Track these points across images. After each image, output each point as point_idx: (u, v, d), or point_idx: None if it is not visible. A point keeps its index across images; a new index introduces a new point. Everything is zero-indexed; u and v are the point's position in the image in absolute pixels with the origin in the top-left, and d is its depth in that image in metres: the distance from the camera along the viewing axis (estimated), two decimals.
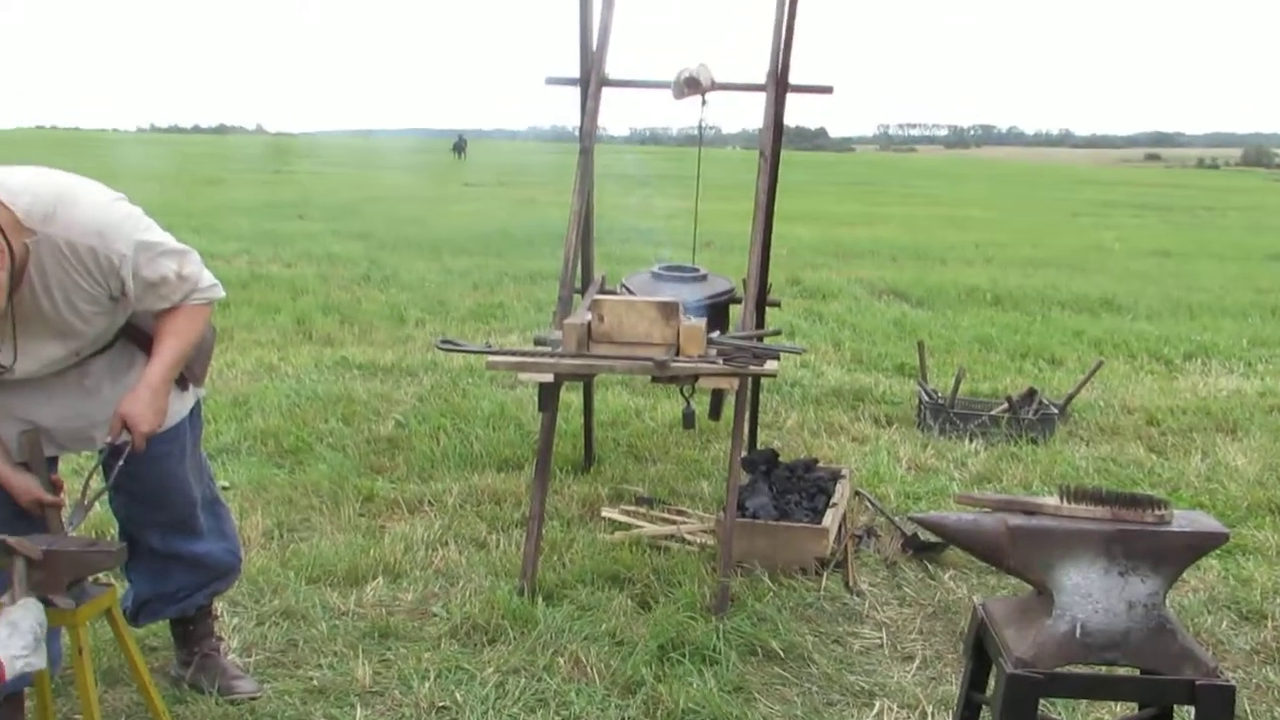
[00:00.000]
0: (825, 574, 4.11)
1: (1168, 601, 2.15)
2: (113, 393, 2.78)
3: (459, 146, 52.85)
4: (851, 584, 4.06)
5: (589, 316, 3.86)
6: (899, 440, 5.93)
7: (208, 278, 2.81)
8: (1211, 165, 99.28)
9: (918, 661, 3.53)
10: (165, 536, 3.05)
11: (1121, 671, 2.28)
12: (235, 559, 3.28)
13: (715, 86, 4.52)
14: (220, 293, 2.87)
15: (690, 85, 4.34)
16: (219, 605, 3.45)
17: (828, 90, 4.72)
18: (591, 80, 4.54)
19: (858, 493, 4.95)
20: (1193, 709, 2.19)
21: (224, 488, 4.79)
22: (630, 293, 4.61)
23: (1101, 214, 27.82)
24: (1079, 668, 2.29)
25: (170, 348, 2.72)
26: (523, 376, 3.85)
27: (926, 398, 6.31)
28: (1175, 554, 2.15)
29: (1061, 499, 2.21)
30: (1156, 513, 2.16)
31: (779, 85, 4.55)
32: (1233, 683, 2.16)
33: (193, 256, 2.78)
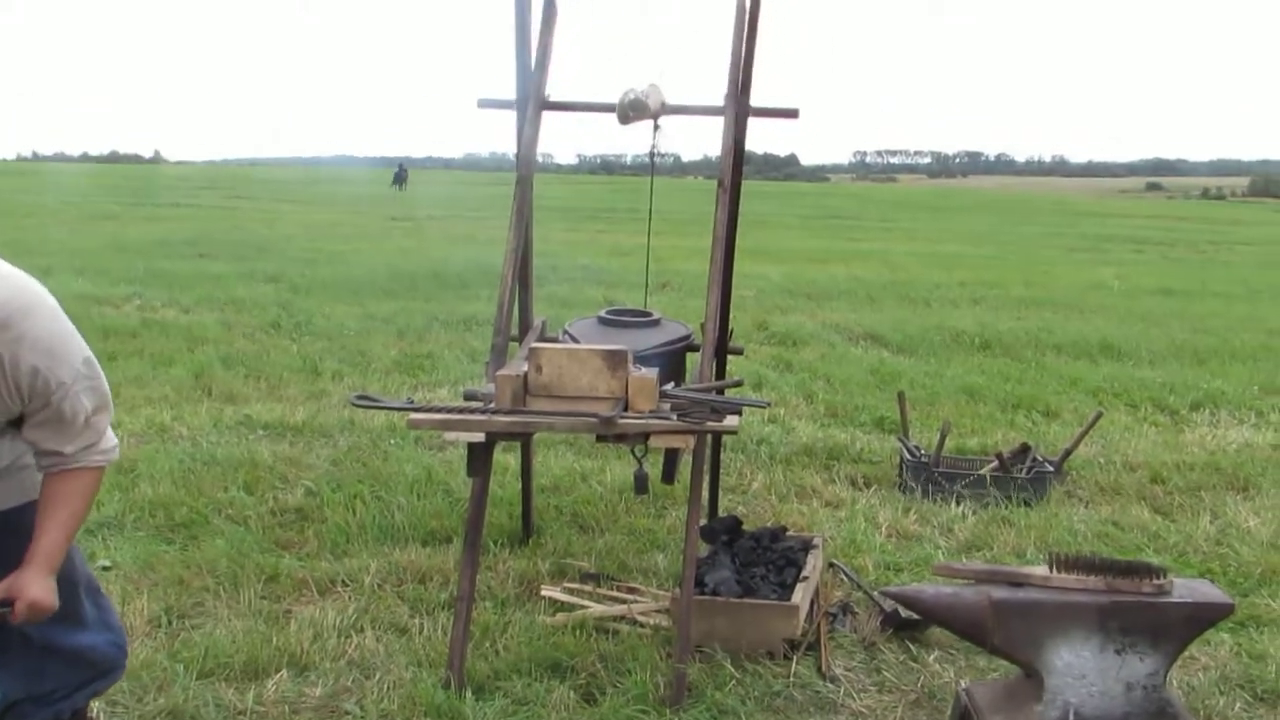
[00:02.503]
0: (795, 658, 4.09)
1: (1172, 681, 2.16)
2: None
3: (400, 177, 52.43)
4: (825, 669, 4.04)
5: (525, 367, 3.85)
6: (878, 504, 5.96)
7: (111, 438, 2.86)
8: (1217, 195, 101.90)
9: None
10: (43, 626, 2.97)
11: None
12: (121, 653, 3.21)
13: (667, 110, 4.57)
14: (116, 455, 2.90)
15: (635, 109, 4.38)
16: (94, 706, 3.36)
17: (793, 114, 4.79)
18: (530, 103, 4.58)
19: (832, 564, 4.96)
20: None
21: (104, 568, 4.70)
22: (573, 340, 4.61)
23: (1099, 249, 28.39)
24: None
25: (62, 524, 2.75)
26: (449, 436, 3.82)
27: (908, 455, 6.35)
28: (1176, 628, 2.17)
29: (1051, 568, 2.23)
30: (1155, 582, 2.18)
31: (738, 108, 4.61)
32: None
33: (108, 407, 2.82)
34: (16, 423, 2.77)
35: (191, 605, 4.45)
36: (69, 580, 2.98)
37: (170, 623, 4.28)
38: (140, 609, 4.31)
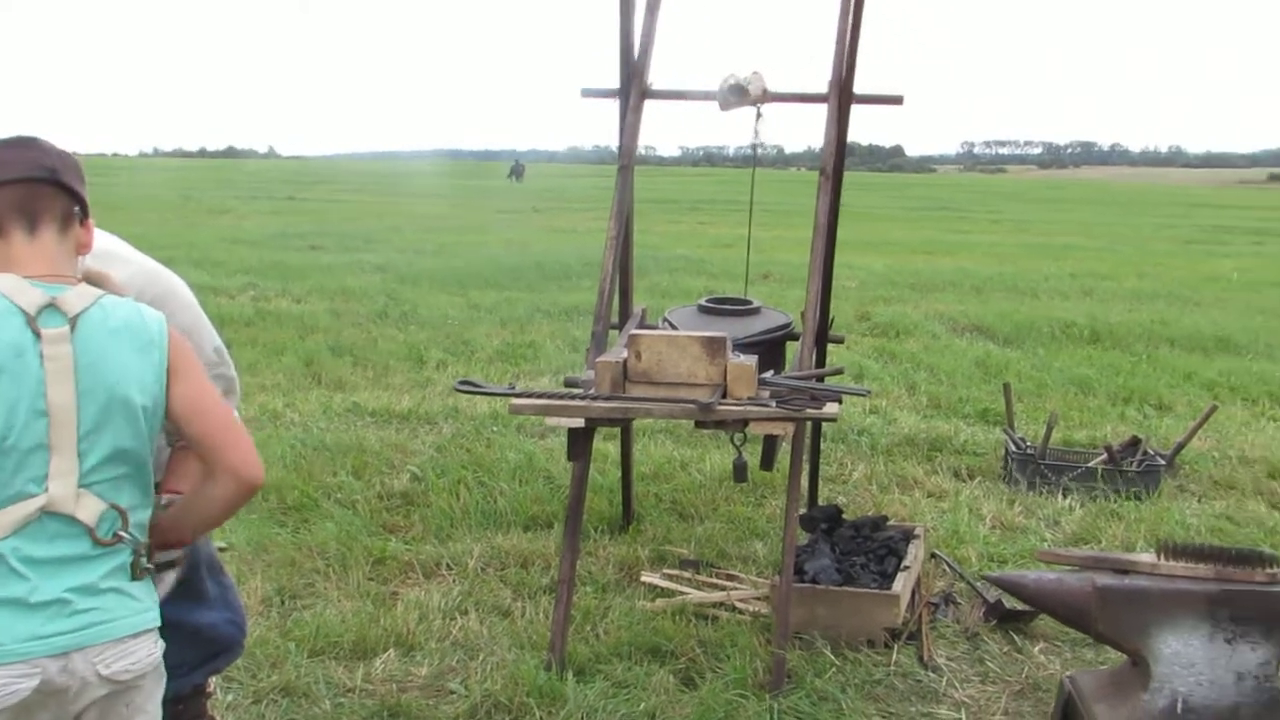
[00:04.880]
0: (896, 647, 4.07)
1: None
2: None
3: (516, 170, 52.49)
4: (926, 658, 4.01)
5: (625, 354, 3.89)
6: (982, 495, 5.88)
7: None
8: None
9: None
10: (166, 602, 3.09)
11: None
12: (240, 633, 3.30)
13: (769, 97, 4.57)
14: None
15: (736, 94, 4.39)
16: (213, 681, 3.48)
17: (898, 101, 4.75)
18: (632, 91, 4.61)
19: (934, 555, 4.91)
20: None
21: (220, 549, 4.86)
22: (673, 328, 4.64)
23: (1218, 241, 27.48)
24: None
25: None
26: (550, 421, 3.87)
27: (1014, 447, 6.25)
28: None
29: (1158, 556, 2.19)
30: (1267, 570, 2.12)
31: (842, 95, 4.58)
32: None
33: (235, 393, 2.94)
34: None
35: (303, 586, 4.58)
36: (192, 558, 3.09)
37: (283, 602, 4.42)
38: (254, 589, 4.46)
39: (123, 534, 2.10)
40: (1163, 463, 6.13)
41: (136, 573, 2.14)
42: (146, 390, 2.12)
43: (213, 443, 2.19)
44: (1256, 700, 2.12)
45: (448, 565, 4.80)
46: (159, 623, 2.22)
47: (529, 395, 3.92)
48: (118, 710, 2.13)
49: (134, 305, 2.19)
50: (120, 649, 2.10)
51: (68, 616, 2.03)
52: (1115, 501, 5.71)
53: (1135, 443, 6.35)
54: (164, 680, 2.28)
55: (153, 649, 2.19)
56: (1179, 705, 2.11)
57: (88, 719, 2.09)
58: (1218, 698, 2.11)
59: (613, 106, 4.78)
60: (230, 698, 3.63)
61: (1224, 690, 2.11)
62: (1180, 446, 6.39)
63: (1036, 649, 4.11)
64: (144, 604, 2.17)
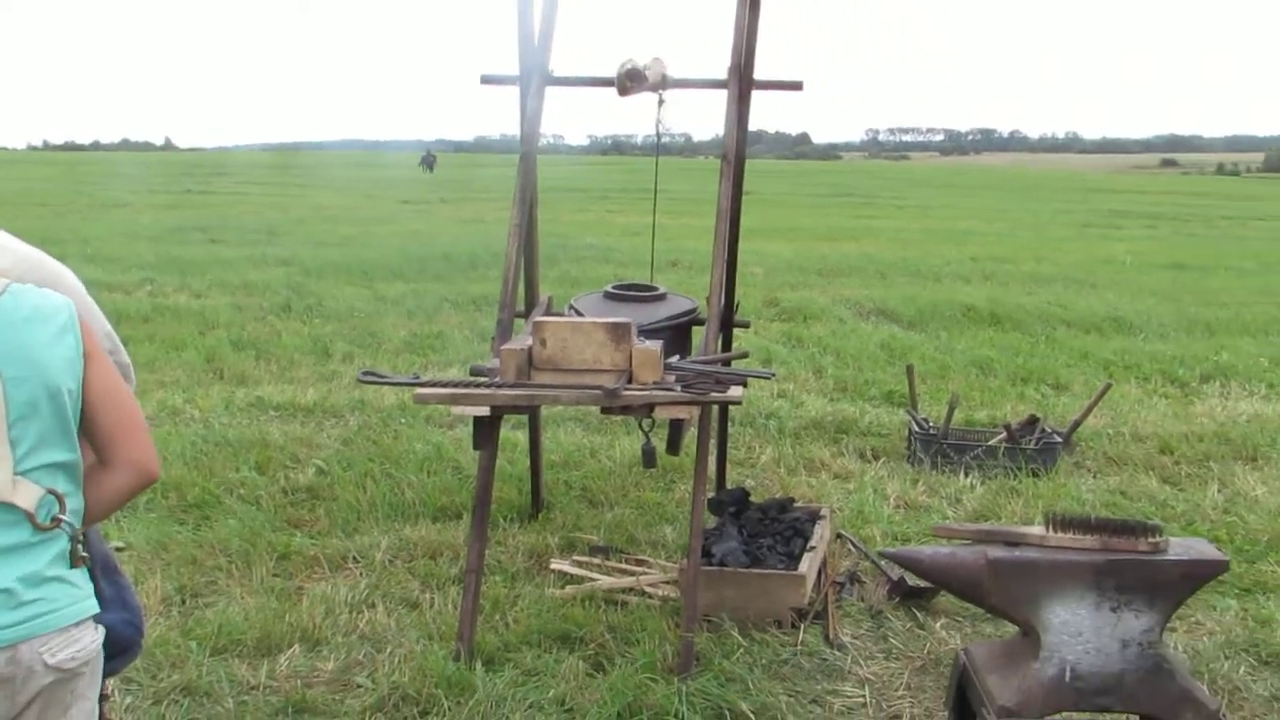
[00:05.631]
0: (803, 626, 4.13)
1: (1178, 644, 2.19)
2: None
3: (428, 161, 51.60)
4: (832, 637, 4.07)
5: (530, 341, 3.88)
6: (886, 476, 5.98)
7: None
8: (1232, 171, 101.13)
9: None
10: None
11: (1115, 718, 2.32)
12: (138, 633, 3.22)
13: (669, 83, 4.58)
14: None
15: (634, 78, 4.39)
16: (110, 684, 3.40)
17: (797, 86, 4.80)
18: (533, 78, 4.59)
19: (839, 535, 4.99)
20: None
21: (117, 549, 4.75)
22: (579, 315, 4.64)
23: (1112, 225, 28.24)
24: (1069, 715, 2.32)
25: None
26: (455, 411, 3.86)
27: (917, 428, 6.37)
28: (1172, 585, 2.19)
29: (1047, 528, 2.25)
30: (1150, 540, 2.20)
31: (742, 80, 4.62)
32: None
33: (131, 380, 2.84)
34: None
35: (205, 584, 4.51)
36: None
37: (184, 601, 4.34)
38: (154, 588, 4.37)
39: (61, 518, 2.06)
40: (1060, 440, 6.30)
41: (75, 560, 2.11)
42: (69, 374, 2.09)
43: (119, 431, 2.16)
44: (1140, 666, 2.19)
45: (354, 558, 4.75)
46: (98, 609, 2.20)
47: (434, 385, 3.90)
48: (61, 698, 2.11)
49: (39, 290, 2.15)
50: (65, 637, 2.07)
51: (14, 609, 2.00)
52: (1015, 479, 5.85)
53: (1033, 421, 6.51)
54: (101, 667, 2.26)
55: (95, 636, 2.18)
56: (1067, 673, 2.18)
57: (34, 708, 2.06)
58: (1104, 664, 2.18)
59: (515, 94, 4.75)
60: (129, 700, 3.56)
61: (1110, 657, 2.18)
62: (1076, 424, 6.57)
63: (938, 624, 4.20)
64: (84, 591, 2.15)
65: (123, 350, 2.86)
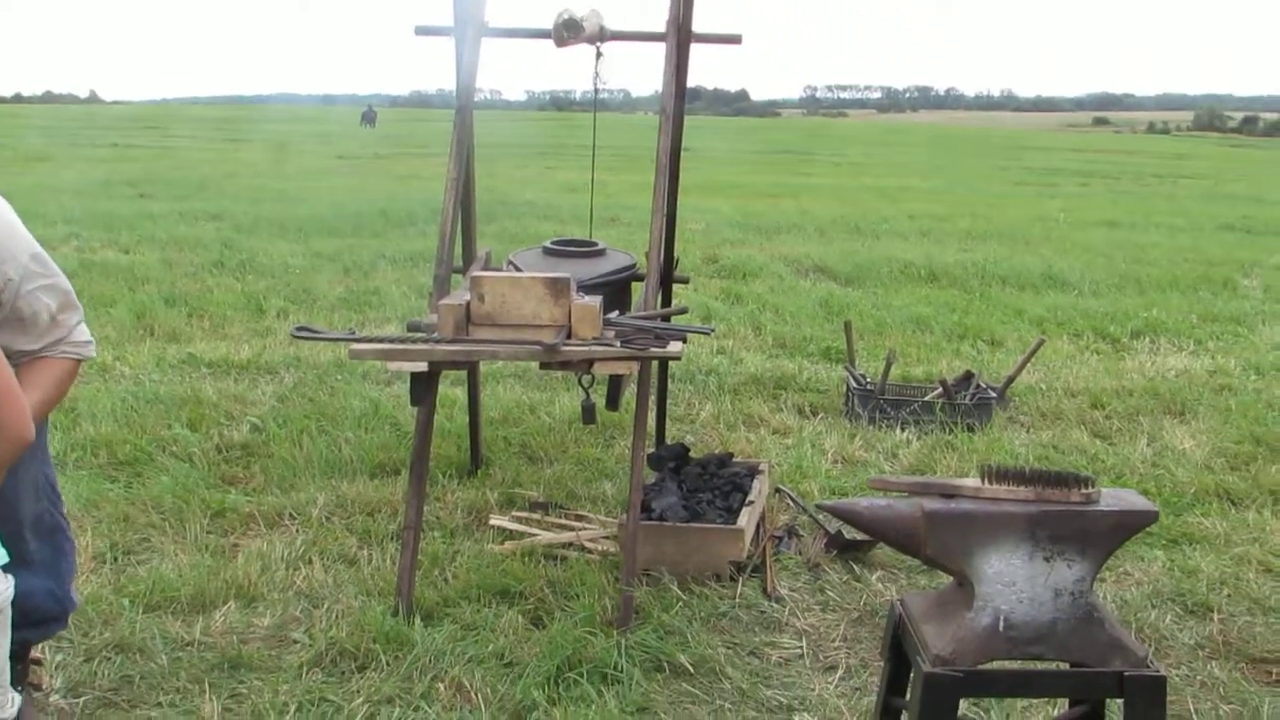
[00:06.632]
0: (741, 580, 4.16)
1: (1106, 594, 2.23)
2: None
3: (368, 116, 50.82)
4: (770, 590, 4.11)
5: (468, 296, 3.84)
6: (824, 431, 6.03)
7: (84, 334, 2.81)
8: (1163, 130, 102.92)
9: (841, 671, 3.60)
10: None
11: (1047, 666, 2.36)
12: (60, 608, 3.12)
13: (607, 35, 4.53)
14: (92, 352, 2.87)
15: (570, 29, 4.34)
16: (40, 647, 3.34)
17: (736, 40, 4.78)
18: (469, 28, 4.52)
19: (778, 489, 5.03)
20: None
21: None
22: (517, 270, 4.60)
23: (1046, 183, 28.61)
24: (1003, 663, 2.36)
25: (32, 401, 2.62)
26: (392, 367, 3.82)
27: (855, 384, 6.43)
28: (1103, 535, 2.23)
29: (982, 480, 2.28)
30: (1083, 491, 2.24)
31: (680, 34, 4.58)
32: (1163, 673, 2.25)
33: (75, 307, 2.77)
34: None
35: (137, 541, 4.44)
36: (12, 513, 2.91)
37: (116, 559, 4.27)
38: (85, 546, 4.28)
39: None
40: (994, 396, 6.40)
41: None
42: None
43: None
44: (1072, 615, 2.24)
45: (291, 515, 4.70)
46: (7, 559, 2.15)
47: (370, 340, 3.85)
48: None
49: None
50: None
51: None
52: (950, 433, 5.93)
53: (969, 377, 6.60)
54: (10, 618, 2.22)
55: (5, 585, 2.15)
56: (1001, 622, 2.21)
57: None
58: (1037, 613, 2.22)
59: (452, 46, 4.68)
60: (60, 657, 3.49)
61: (1042, 606, 2.22)
62: (1010, 380, 6.67)
63: (874, 577, 4.26)
64: None
65: (57, 272, 2.74)
